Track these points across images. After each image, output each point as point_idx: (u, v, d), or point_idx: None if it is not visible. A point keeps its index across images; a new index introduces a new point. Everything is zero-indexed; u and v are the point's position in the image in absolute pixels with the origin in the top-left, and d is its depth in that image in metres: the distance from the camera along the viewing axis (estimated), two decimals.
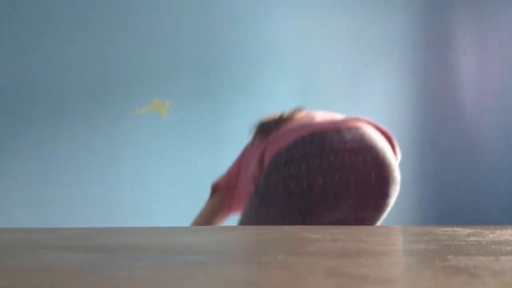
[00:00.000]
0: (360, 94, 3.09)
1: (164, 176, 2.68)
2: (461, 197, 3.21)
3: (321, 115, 1.25)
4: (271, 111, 1.50)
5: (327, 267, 0.40)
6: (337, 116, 1.26)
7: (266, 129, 1.26)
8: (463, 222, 3.16)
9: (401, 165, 3.14)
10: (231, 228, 0.92)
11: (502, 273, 0.37)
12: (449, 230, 0.82)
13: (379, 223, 1.18)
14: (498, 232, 0.78)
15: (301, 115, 1.28)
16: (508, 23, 3.41)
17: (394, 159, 1.14)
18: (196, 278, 0.35)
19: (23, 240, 0.66)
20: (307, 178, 1.05)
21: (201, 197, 2.71)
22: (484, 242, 0.61)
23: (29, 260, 0.46)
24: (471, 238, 0.66)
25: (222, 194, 1.37)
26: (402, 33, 3.25)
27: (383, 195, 1.09)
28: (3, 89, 2.51)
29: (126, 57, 2.70)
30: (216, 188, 1.41)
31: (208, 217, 1.35)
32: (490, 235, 0.71)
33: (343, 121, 1.15)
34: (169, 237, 0.71)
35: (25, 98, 2.53)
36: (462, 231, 0.80)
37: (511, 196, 3.26)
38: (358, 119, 1.19)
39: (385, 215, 1.17)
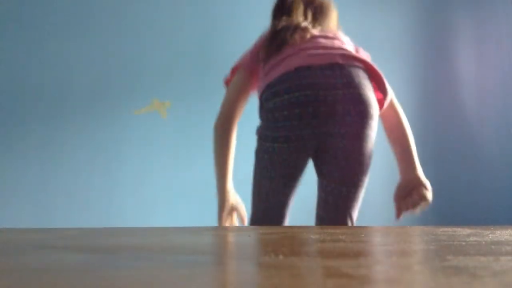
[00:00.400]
0: None
1: (164, 176, 2.68)
2: (461, 197, 3.21)
3: (320, 44, 1.33)
4: None
5: (327, 267, 0.40)
6: (335, 48, 1.32)
7: (280, 40, 1.37)
8: (463, 222, 3.16)
9: None
10: (231, 228, 0.92)
11: (502, 273, 0.37)
12: (449, 230, 0.82)
13: (364, 153, 1.25)
14: (498, 232, 0.78)
15: (312, 33, 1.38)
16: (508, 23, 3.41)
17: (370, 97, 1.25)
18: (196, 278, 0.35)
19: (24, 240, 0.66)
20: (287, 108, 1.24)
21: (201, 197, 2.70)
22: (484, 242, 0.61)
23: (29, 260, 0.46)
24: (471, 238, 0.66)
25: (245, 73, 1.47)
26: (402, 33, 3.25)
27: (352, 125, 1.23)
28: (3, 89, 2.51)
29: (126, 57, 2.70)
30: (236, 69, 1.50)
31: (236, 95, 1.47)
32: (490, 235, 0.71)
33: (331, 56, 1.27)
34: (169, 237, 0.71)
35: (25, 98, 2.53)
36: (462, 231, 0.80)
37: (511, 196, 3.26)
38: (349, 57, 1.28)
39: (364, 145, 1.25)
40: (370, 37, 3.10)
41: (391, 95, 1.35)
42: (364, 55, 1.44)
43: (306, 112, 1.22)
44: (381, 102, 1.34)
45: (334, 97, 1.21)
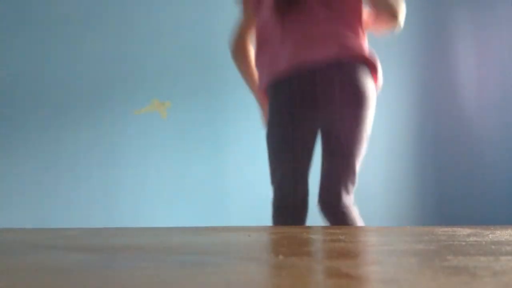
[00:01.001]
0: None
1: (164, 176, 2.68)
2: (461, 197, 3.21)
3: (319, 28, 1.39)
4: None
5: (327, 267, 0.40)
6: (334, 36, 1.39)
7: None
8: (463, 222, 3.16)
9: (401, 165, 3.14)
10: (231, 228, 0.92)
11: (502, 273, 0.37)
12: (449, 230, 0.82)
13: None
14: (498, 232, 0.78)
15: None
16: (508, 23, 3.41)
17: (363, 83, 1.38)
18: (196, 278, 0.35)
19: (23, 240, 0.66)
20: (293, 97, 1.38)
21: (201, 197, 2.70)
22: (484, 242, 0.61)
23: (29, 260, 0.46)
24: (471, 238, 0.66)
25: (250, 12, 1.54)
26: (401, 33, 3.25)
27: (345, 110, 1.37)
28: (3, 89, 2.51)
29: (126, 57, 2.70)
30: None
31: (246, 23, 1.56)
32: (490, 235, 0.71)
33: (329, 52, 1.36)
34: (169, 237, 0.71)
35: (26, 98, 2.53)
36: (462, 231, 0.80)
37: (511, 196, 3.26)
38: (346, 50, 1.38)
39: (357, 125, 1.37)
40: (370, 37, 3.09)
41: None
42: None
43: (302, 100, 1.36)
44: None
45: (329, 88, 1.35)
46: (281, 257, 0.46)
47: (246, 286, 0.32)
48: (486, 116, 3.33)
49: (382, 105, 3.14)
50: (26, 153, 2.49)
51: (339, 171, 1.38)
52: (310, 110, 1.37)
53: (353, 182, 1.40)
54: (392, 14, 1.43)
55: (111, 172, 2.60)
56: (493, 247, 0.56)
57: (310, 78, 1.35)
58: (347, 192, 1.39)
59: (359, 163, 1.41)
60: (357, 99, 1.34)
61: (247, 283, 0.33)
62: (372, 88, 1.40)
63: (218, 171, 2.75)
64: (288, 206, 1.39)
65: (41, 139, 2.52)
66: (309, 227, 1.00)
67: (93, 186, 2.56)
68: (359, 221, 1.37)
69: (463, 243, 0.60)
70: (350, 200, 1.39)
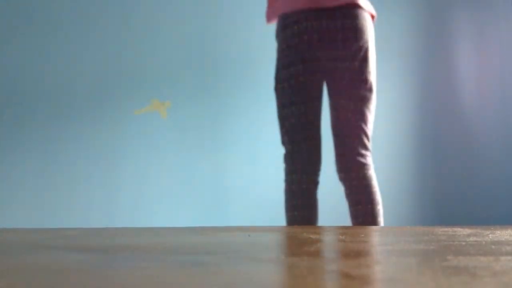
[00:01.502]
0: None
1: (164, 176, 2.68)
2: (461, 197, 3.21)
3: None
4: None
5: (327, 267, 0.40)
6: None
7: None
8: (463, 221, 3.16)
9: (401, 165, 3.14)
10: (231, 228, 0.92)
11: (502, 273, 0.37)
12: (449, 230, 0.82)
13: (366, 71, 1.45)
14: (498, 232, 0.78)
15: None
16: (508, 23, 3.41)
17: (366, 26, 1.47)
18: (196, 278, 0.35)
19: (23, 240, 0.66)
20: (305, 33, 1.44)
21: (201, 197, 2.70)
22: (484, 242, 0.61)
23: (29, 260, 0.46)
24: (471, 238, 0.66)
25: None
26: (402, 33, 3.25)
27: (354, 49, 1.46)
28: (4, 89, 2.51)
29: (126, 57, 2.70)
30: None
31: None
32: (490, 235, 0.71)
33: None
34: (169, 237, 0.71)
35: (26, 99, 2.53)
36: (462, 231, 0.80)
37: (511, 196, 3.26)
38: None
39: (365, 65, 1.45)
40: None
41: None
42: None
43: (313, 38, 1.42)
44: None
45: (335, 27, 1.43)
46: (281, 257, 0.46)
47: (246, 286, 0.32)
48: (486, 116, 3.33)
49: (383, 104, 3.14)
50: (27, 153, 2.49)
51: (351, 116, 1.41)
52: (315, 45, 1.41)
53: (368, 127, 1.43)
54: None
55: (111, 172, 2.60)
56: (493, 247, 0.56)
57: (321, 19, 1.42)
58: (364, 147, 1.42)
59: (372, 113, 1.44)
60: (359, 38, 1.43)
61: (247, 283, 0.33)
62: (371, 25, 1.49)
63: (218, 171, 2.75)
64: (302, 161, 1.39)
65: (42, 139, 2.52)
66: (309, 227, 1.00)
67: (93, 186, 2.56)
68: (378, 194, 1.38)
69: (463, 243, 0.60)
70: (370, 159, 1.43)
